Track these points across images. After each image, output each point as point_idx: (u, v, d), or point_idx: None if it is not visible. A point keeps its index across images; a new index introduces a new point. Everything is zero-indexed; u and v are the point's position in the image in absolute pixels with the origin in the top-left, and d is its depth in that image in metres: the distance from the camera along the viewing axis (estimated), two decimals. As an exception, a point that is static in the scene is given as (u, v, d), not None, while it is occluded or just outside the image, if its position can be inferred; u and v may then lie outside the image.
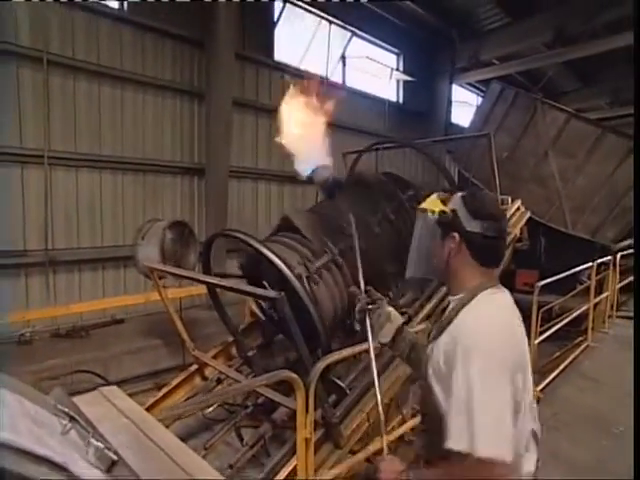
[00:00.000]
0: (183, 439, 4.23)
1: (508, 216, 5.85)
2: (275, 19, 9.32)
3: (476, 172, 8.78)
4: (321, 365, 2.08)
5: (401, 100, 12.84)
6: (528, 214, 6.32)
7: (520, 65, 12.24)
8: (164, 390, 4.26)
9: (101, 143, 7.08)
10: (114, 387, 1.45)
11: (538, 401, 4.25)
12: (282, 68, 9.39)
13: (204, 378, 4.52)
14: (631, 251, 8.15)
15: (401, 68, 12.48)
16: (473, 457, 1.18)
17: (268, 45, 9.26)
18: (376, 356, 3.75)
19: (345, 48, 10.69)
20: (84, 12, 6.74)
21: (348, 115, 10.73)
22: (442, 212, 1.51)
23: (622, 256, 7.06)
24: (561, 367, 5.06)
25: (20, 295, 6.47)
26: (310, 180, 2.81)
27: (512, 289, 4.22)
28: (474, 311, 1.40)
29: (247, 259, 4.01)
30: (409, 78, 12.17)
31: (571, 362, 5.27)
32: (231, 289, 3.19)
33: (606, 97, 15.72)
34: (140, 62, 7.42)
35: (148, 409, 4.07)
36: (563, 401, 4.31)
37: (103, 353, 6.08)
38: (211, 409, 4.14)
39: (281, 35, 9.48)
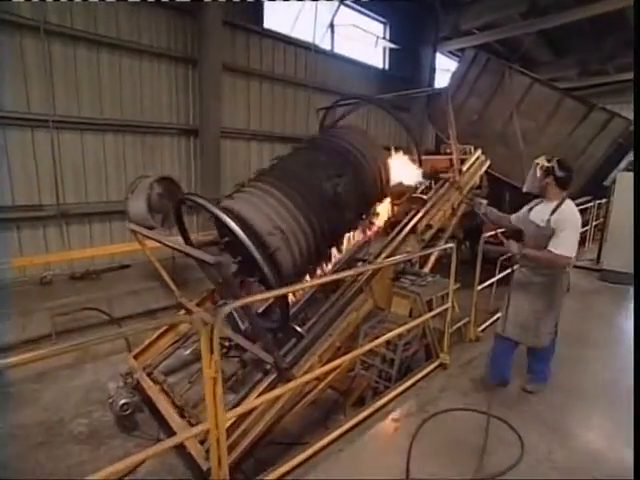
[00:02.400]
0: (176, 370, 4.28)
1: (468, 165, 5.57)
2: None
3: (449, 133, 8.32)
4: (226, 309, 1.92)
5: (387, 67, 12.04)
6: (487, 163, 6.00)
7: (497, 34, 11.32)
8: (157, 333, 4.17)
9: (102, 107, 6.73)
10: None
11: (477, 340, 4.19)
12: (272, 35, 8.74)
13: (191, 322, 4.41)
14: (583, 207, 7.87)
15: (387, 37, 11.60)
16: (566, 255, 2.75)
17: (258, 14, 8.56)
18: (331, 304, 3.68)
19: (333, 17, 9.86)
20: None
21: (335, 80, 10.15)
22: (549, 167, 2.85)
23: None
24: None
25: (40, 243, 6.42)
26: None
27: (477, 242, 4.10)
28: (567, 208, 2.81)
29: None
30: (394, 46, 11.35)
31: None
32: (177, 249, 3.00)
33: (575, 68, 14.73)
34: (136, 31, 6.89)
35: (144, 350, 4.07)
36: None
37: (110, 293, 6.06)
38: (189, 350, 4.08)
39: (270, 4, 8.72)
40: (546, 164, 2.86)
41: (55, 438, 3.91)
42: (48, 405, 4.46)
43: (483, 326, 4.44)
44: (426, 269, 4.63)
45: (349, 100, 5.53)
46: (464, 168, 5.37)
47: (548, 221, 2.83)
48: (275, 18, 8.88)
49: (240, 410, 2.18)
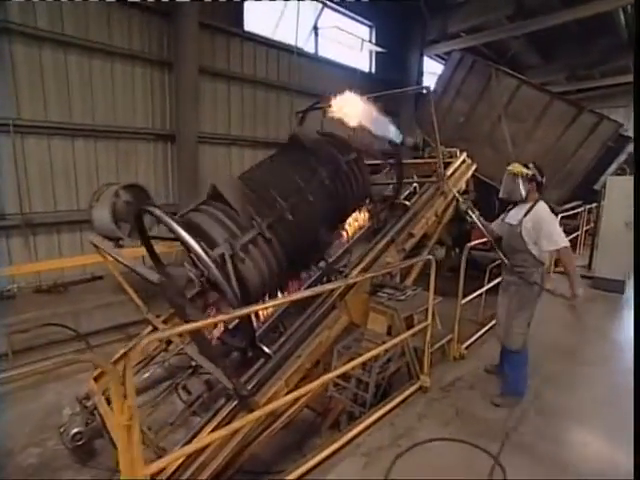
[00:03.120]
0: (147, 389, 3.93)
1: (453, 169, 5.31)
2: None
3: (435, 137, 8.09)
4: (143, 343, 1.59)
5: (373, 70, 11.84)
6: (474, 166, 5.76)
7: (484, 37, 11.14)
8: (120, 352, 3.79)
9: (71, 112, 6.39)
10: None
11: (462, 358, 3.89)
12: (253, 38, 8.48)
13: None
14: (573, 212, 7.65)
15: (373, 40, 11.40)
16: (562, 246, 2.86)
17: (238, 16, 8.30)
18: (301, 322, 3.37)
19: (317, 19, 9.64)
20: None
21: (319, 83, 9.90)
22: (531, 174, 2.98)
23: (562, 217, 6.52)
24: (490, 325, 4.60)
25: (3, 255, 6.03)
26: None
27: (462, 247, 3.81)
28: (540, 208, 2.96)
29: None
30: (380, 49, 11.14)
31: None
32: (125, 265, 2.72)
33: (564, 72, 14.67)
34: (107, 32, 6.57)
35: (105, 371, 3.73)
36: (487, 357, 3.80)
37: (78, 307, 5.71)
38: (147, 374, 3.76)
39: (251, 7, 8.48)
40: (528, 172, 2.97)
41: (2, 471, 3.58)
42: (2, 430, 4.11)
43: (469, 342, 4.15)
44: (408, 281, 4.35)
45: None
46: (448, 172, 5.10)
47: (520, 221, 2.98)
48: (257, 20, 8.63)
49: (174, 456, 1.85)
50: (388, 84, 11.49)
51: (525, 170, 2.97)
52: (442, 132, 8.12)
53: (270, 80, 9.09)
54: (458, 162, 5.45)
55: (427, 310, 3.45)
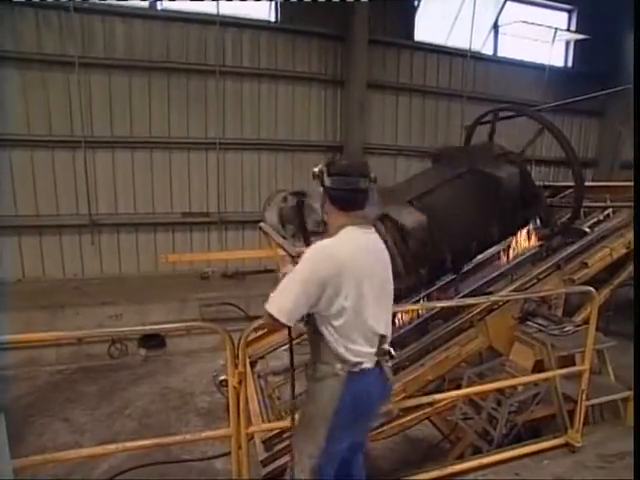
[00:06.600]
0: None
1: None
2: (415, 3, 8.51)
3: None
4: (249, 331, 1.94)
5: (569, 63, 10.18)
6: None
7: None
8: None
9: (260, 129, 7.91)
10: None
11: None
12: (423, 47, 8.60)
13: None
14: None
15: (572, 27, 9.79)
16: (267, 311, 1.62)
17: (408, 28, 8.52)
18: (435, 333, 3.30)
19: (498, 15, 8.93)
20: (250, 29, 7.59)
21: (498, 87, 9.19)
22: (316, 173, 1.74)
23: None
24: None
25: (204, 244, 7.91)
26: None
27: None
28: (333, 241, 1.66)
29: None
30: (582, 36, 9.40)
31: None
32: (277, 244, 3.24)
33: None
34: (291, 60, 7.84)
35: (254, 340, 4.48)
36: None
37: (249, 293, 6.91)
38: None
39: (423, 16, 8.59)
40: (314, 170, 1.76)
41: (185, 406, 4.80)
42: (188, 378, 5.50)
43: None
44: (578, 318, 3.66)
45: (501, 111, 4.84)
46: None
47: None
48: (428, 29, 8.69)
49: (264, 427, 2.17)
50: (590, 78, 9.62)
51: (314, 169, 1.76)
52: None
53: (440, 88, 8.99)
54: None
55: (600, 351, 2.90)
